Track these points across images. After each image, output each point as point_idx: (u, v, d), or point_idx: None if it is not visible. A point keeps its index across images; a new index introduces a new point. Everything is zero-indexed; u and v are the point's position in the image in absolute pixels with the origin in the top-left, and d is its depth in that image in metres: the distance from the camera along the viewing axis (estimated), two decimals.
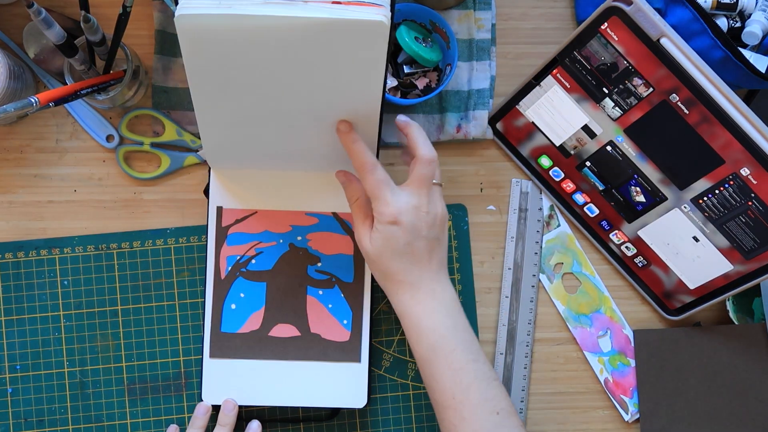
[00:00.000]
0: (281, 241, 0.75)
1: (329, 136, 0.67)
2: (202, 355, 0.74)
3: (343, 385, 0.74)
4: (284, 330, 0.75)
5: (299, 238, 0.75)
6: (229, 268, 0.74)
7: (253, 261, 0.75)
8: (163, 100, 0.77)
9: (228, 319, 0.74)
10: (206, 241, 0.75)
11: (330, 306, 0.75)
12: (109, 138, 0.77)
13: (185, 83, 0.77)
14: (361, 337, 0.74)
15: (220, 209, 0.75)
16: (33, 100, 0.63)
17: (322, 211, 0.75)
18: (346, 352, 0.74)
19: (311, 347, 0.74)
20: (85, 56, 0.70)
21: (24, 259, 0.76)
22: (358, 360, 0.74)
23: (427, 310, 0.66)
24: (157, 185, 0.78)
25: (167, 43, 0.76)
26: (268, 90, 0.63)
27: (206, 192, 0.75)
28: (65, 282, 0.76)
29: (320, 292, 0.75)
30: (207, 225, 0.75)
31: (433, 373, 0.66)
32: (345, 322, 0.75)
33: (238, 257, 0.75)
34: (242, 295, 0.74)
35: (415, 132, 0.67)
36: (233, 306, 0.74)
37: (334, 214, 0.75)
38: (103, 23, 0.70)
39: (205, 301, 0.74)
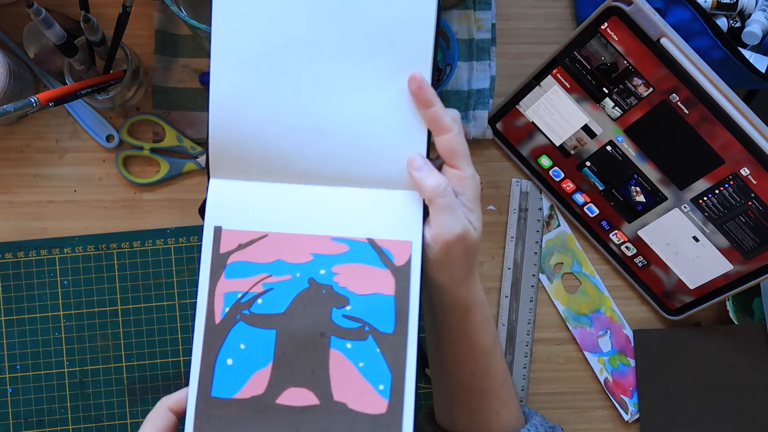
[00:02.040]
0: (298, 274, 0.57)
1: (369, 108, 0.57)
2: (184, 427, 0.55)
3: None
4: (298, 396, 0.55)
5: (323, 271, 0.57)
6: (227, 310, 0.56)
7: (260, 301, 0.57)
8: (163, 100, 0.77)
9: (222, 379, 0.55)
10: (198, 272, 0.57)
11: (361, 365, 0.56)
12: (109, 138, 0.77)
13: (185, 83, 0.77)
14: (402, 409, 0.55)
15: (218, 230, 0.57)
16: (33, 100, 0.63)
17: (355, 236, 0.57)
18: (381, 429, 0.54)
19: (334, 421, 0.55)
20: (85, 56, 0.70)
21: (24, 259, 0.76)
22: None
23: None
24: (156, 186, 0.78)
25: (167, 43, 0.76)
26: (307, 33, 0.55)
27: (201, 211, 0.59)
28: (65, 282, 0.76)
29: (348, 345, 0.56)
30: (200, 250, 0.57)
31: (490, 363, 0.61)
32: (381, 387, 0.55)
33: (240, 295, 0.57)
34: (243, 346, 0.56)
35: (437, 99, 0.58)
36: (230, 361, 0.56)
37: (371, 240, 0.57)
38: (103, 23, 0.70)
39: (191, 353, 0.55)
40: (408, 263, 0.57)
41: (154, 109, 0.77)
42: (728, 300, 0.77)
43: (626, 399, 0.79)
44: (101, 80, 0.71)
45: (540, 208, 0.80)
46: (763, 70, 0.71)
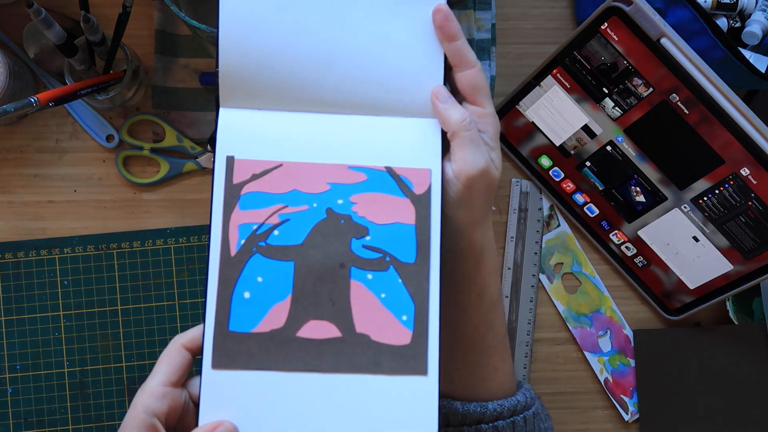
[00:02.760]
0: (315, 205, 0.55)
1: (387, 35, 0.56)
2: (202, 363, 0.53)
3: (402, 407, 0.54)
4: (319, 329, 0.54)
5: (340, 201, 0.56)
6: (243, 242, 0.54)
7: (276, 232, 0.55)
8: (163, 100, 0.77)
9: (239, 312, 0.54)
10: (211, 204, 0.54)
11: (383, 295, 0.55)
12: (109, 138, 0.77)
13: (185, 83, 0.77)
14: (427, 339, 0.54)
15: (231, 160, 0.55)
16: (33, 100, 0.63)
17: (372, 165, 0.55)
18: (406, 360, 0.54)
19: (357, 353, 0.54)
20: (85, 56, 0.71)
21: (24, 259, 0.76)
22: (424, 371, 0.54)
23: None
24: (156, 186, 0.78)
25: (167, 43, 0.76)
26: None
27: (212, 141, 0.58)
28: (65, 282, 0.76)
29: (369, 276, 0.55)
30: (212, 182, 0.54)
31: (494, 316, 0.61)
32: (404, 318, 0.54)
33: (255, 226, 0.54)
34: (260, 279, 0.54)
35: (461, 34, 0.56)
36: (247, 294, 0.54)
37: (389, 168, 0.55)
38: (103, 23, 0.70)
39: (206, 287, 0.54)
40: (428, 192, 0.56)
41: (154, 109, 0.77)
42: (728, 300, 0.77)
43: (626, 399, 0.79)
44: (101, 80, 0.71)
45: (540, 208, 0.80)
46: (763, 70, 0.71)
